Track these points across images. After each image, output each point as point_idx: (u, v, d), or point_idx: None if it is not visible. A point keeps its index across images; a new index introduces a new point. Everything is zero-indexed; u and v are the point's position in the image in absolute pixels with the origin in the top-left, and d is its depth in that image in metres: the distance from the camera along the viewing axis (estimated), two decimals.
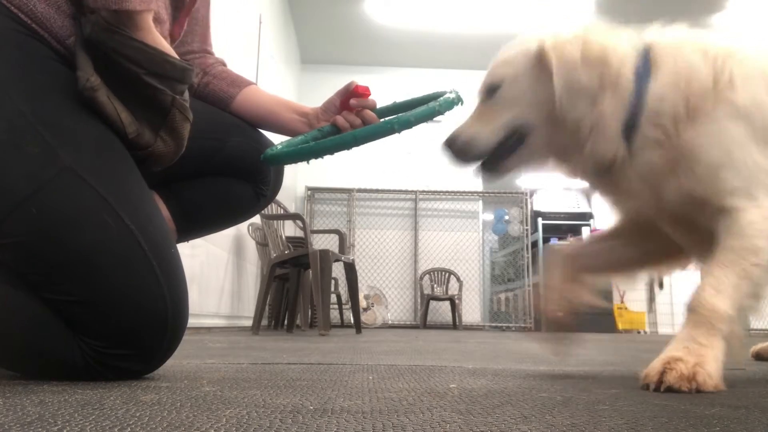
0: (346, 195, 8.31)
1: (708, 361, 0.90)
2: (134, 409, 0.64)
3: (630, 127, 1.10)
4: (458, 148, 1.17)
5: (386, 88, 9.39)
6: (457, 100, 1.11)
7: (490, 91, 1.18)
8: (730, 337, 0.94)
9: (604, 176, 1.17)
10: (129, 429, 0.53)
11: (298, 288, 4.52)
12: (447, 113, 1.12)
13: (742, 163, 1.03)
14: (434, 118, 1.10)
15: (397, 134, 1.07)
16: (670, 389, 0.87)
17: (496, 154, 1.17)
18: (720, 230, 1.03)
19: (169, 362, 1.01)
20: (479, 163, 1.19)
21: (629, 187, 1.16)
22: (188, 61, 1.15)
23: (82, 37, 0.92)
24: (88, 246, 0.87)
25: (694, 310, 0.97)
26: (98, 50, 0.92)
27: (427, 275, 8.02)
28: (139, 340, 0.90)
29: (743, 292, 0.96)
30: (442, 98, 1.08)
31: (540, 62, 1.14)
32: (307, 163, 1.23)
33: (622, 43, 1.14)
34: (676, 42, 1.14)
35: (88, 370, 0.89)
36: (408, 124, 1.02)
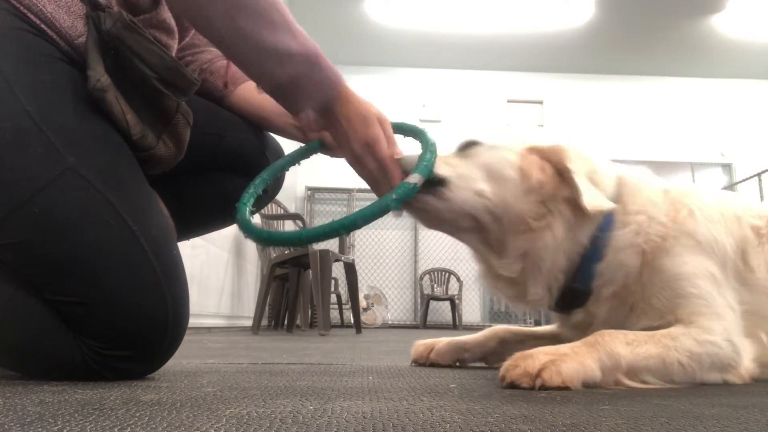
0: (346, 195, 8.31)
1: (566, 362, 0.86)
2: (134, 409, 0.64)
3: (585, 274, 1.07)
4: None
5: (386, 88, 9.34)
6: (415, 189, 0.97)
7: (465, 147, 1.13)
8: (605, 372, 0.90)
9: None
10: (129, 429, 0.53)
11: (298, 288, 4.52)
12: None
13: (708, 296, 1.04)
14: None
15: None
16: (514, 385, 0.86)
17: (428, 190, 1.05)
18: (680, 328, 1.02)
19: (169, 362, 1.01)
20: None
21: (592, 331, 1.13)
22: (186, 67, 1.15)
23: (96, 36, 0.92)
24: (89, 247, 0.87)
25: (594, 339, 0.93)
26: (110, 49, 0.92)
27: (427, 275, 8.03)
28: (140, 341, 0.90)
29: (646, 365, 0.93)
30: (402, 186, 0.95)
31: (531, 153, 1.10)
32: (298, 164, 1.23)
33: (604, 179, 1.09)
34: (638, 183, 1.13)
35: (88, 371, 0.89)
36: (354, 226, 0.95)
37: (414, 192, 0.96)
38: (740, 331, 1.05)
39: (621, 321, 1.08)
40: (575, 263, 1.07)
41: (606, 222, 1.07)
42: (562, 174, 1.07)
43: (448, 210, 1.08)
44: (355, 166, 1.04)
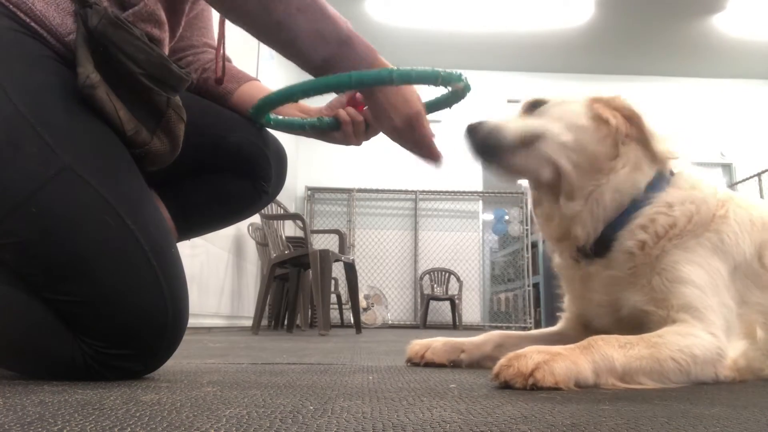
0: (346, 195, 8.31)
1: (558, 362, 0.86)
2: (134, 409, 0.64)
3: (618, 224, 1.16)
4: (482, 135, 1.17)
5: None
6: (465, 82, 1.04)
7: (532, 107, 1.23)
8: (599, 374, 0.90)
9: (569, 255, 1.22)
10: (129, 429, 0.53)
11: (298, 288, 4.52)
12: (454, 106, 1.10)
13: (705, 289, 1.07)
14: (438, 98, 1.07)
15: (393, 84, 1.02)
16: (507, 385, 0.86)
17: (511, 150, 1.18)
18: (665, 328, 1.03)
19: (169, 362, 1.01)
20: (490, 156, 1.19)
21: (591, 288, 1.20)
22: (186, 67, 1.14)
23: (84, 33, 0.92)
24: (87, 246, 0.87)
25: (587, 343, 0.94)
26: (99, 46, 0.92)
27: (427, 275, 8.02)
28: (139, 340, 0.90)
29: (640, 366, 0.93)
30: (451, 72, 1.02)
31: (596, 103, 1.21)
32: (299, 121, 1.19)
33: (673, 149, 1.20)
34: (695, 173, 1.24)
35: (88, 370, 0.89)
36: (407, 77, 0.97)
37: (459, 80, 1.03)
38: (730, 327, 1.07)
39: (618, 291, 1.14)
40: (617, 213, 1.16)
41: (656, 183, 1.17)
42: (630, 119, 1.19)
43: (537, 162, 1.18)
44: (395, 138, 1.08)
